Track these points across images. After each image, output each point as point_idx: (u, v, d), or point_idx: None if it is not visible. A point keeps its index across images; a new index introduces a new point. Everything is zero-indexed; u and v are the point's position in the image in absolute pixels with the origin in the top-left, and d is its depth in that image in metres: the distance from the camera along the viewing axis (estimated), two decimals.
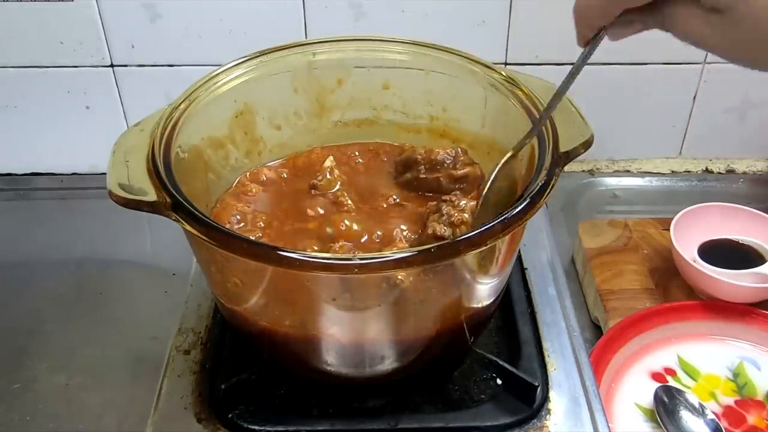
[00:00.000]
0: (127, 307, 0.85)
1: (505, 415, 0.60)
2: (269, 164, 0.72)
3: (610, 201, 1.01)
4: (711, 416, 0.68)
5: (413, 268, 0.48)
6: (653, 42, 0.97)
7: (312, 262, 0.47)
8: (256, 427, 0.59)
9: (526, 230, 0.58)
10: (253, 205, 0.66)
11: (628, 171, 1.05)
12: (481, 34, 0.93)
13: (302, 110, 0.73)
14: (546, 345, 0.66)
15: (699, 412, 0.68)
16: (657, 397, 0.70)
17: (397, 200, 0.66)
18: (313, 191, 0.67)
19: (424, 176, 0.66)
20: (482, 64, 0.66)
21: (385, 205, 0.66)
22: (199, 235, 0.49)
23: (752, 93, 0.99)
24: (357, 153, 0.73)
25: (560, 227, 0.94)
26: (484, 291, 0.58)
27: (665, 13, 0.39)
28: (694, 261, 0.80)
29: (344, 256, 0.48)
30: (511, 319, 0.68)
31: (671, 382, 0.74)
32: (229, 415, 0.60)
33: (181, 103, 0.61)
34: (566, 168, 0.56)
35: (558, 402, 0.61)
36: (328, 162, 0.70)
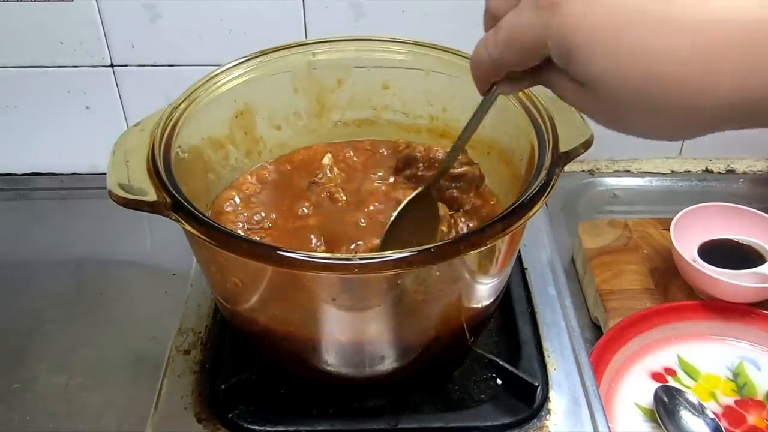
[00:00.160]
0: (127, 307, 0.85)
1: (505, 415, 0.60)
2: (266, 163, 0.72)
3: (610, 201, 1.01)
4: (711, 416, 0.68)
5: (413, 268, 0.48)
6: None
7: (312, 262, 0.47)
8: (256, 427, 0.59)
9: (526, 230, 0.58)
10: (251, 203, 0.66)
11: (628, 171, 1.05)
12: (481, 34, 0.93)
13: (302, 110, 0.73)
14: (546, 345, 0.66)
15: (699, 412, 0.68)
16: (657, 397, 0.70)
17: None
18: (312, 186, 0.67)
19: (422, 174, 0.67)
20: None
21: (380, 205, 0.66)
22: (199, 235, 0.49)
23: None
24: (352, 152, 0.73)
25: (560, 227, 0.94)
26: (484, 291, 0.58)
27: (544, 77, 0.43)
28: (694, 261, 0.80)
29: (344, 256, 0.48)
30: (511, 319, 0.68)
31: (671, 382, 0.74)
32: (229, 415, 0.60)
33: (181, 103, 0.61)
34: (566, 168, 0.56)
35: (558, 402, 0.61)
36: (326, 159, 0.70)
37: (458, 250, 0.48)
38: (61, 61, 0.95)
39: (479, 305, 0.59)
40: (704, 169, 1.05)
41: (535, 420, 0.60)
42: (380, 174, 0.69)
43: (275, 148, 0.73)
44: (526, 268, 0.73)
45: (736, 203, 0.86)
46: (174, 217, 0.51)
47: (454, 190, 0.65)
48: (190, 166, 0.62)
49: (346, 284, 0.51)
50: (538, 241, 0.77)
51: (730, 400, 0.73)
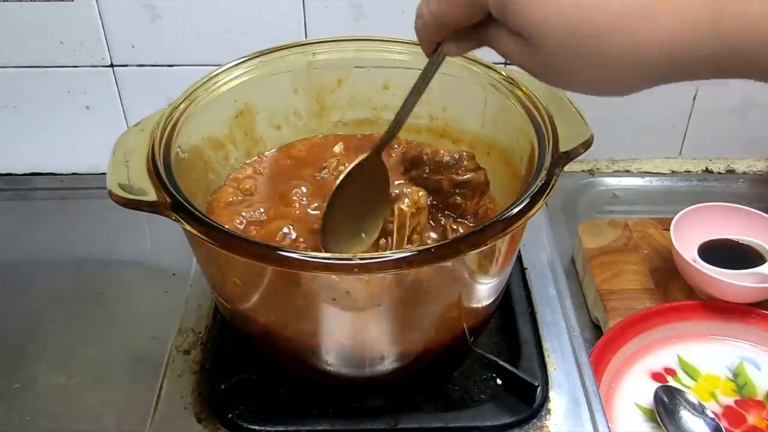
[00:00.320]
0: (127, 307, 0.85)
1: (505, 415, 0.60)
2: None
3: (610, 201, 1.01)
4: (711, 416, 0.68)
5: (413, 268, 0.48)
6: None
7: (312, 262, 0.47)
8: (256, 427, 0.59)
9: (526, 230, 0.58)
10: (251, 200, 0.66)
11: (628, 171, 1.05)
12: None
13: (302, 110, 0.73)
14: (546, 345, 0.66)
15: (699, 412, 0.68)
16: (657, 397, 0.70)
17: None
18: (318, 177, 0.67)
19: (427, 176, 0.66)
20: (482, 64, 0.66)
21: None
22: (199, 235, 0.49)
23: (752, 93, 0.99)
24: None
25: (560, 227, 0.94)
26: (484, 291, 0.58)
27: (487, 34, 0.43)
28: (694, 261, 0.80)
29: (344, 256, 0.48)
30: (511, 319, 0.68)
31: (671, 382, 0.74)
32: (229, 415, 0.60)
33: (181, 103, 0.61)
34: (566, 168, 0.56)
35: (558, 402, 0.61)
36: (337, 148, 0.70)
37: (458, 250, 0.48)
38: (61, 61, 0.95)
39: (479, 305, 0.59)
40: (704, 169, 1.05)
41: (535, 420, 0.60)
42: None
43: (275, 148, 0.73)
44: (526, 268, 0.73)
45: (736, 203, 0.86)
46: (174, 217, 0.51)
47: (458, 197, 0.65)
48: (190, 166, 0.62)
49: (346, 284, 0.51)
50: (538, 241, 0.77)
51: (730, 400, 0.73)
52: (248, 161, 0.71)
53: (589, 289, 0.84)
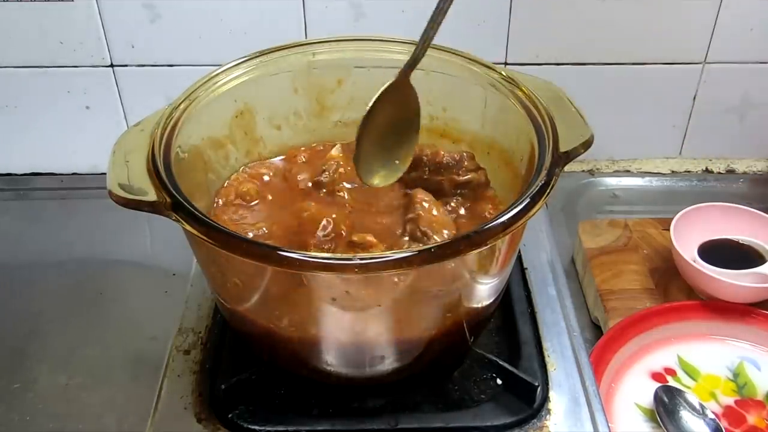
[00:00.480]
0: (127, 307, 0.85)
1: (505, 415, 0.60)
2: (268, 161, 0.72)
3: (610, 201, 1.01)
4: (711, 416, 0.68)
5: (413, 268, 0.48)
6: (653, 42, 0.97)
7: (312, 262, 0.47)
8: (256, 427, 0.59)
9: (526, 230, 0.58)
10: (252, 210, 0.66)
11: (628, 171, 1.05)
12: (481, 34, 0.93)
13: (302, 110, 0.73)
14: (546, 345, 0.66)
15: (699, 412, 0.68)
16: (657, 397, 0.70)
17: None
18: (319, 191, 0.67)
19: (427, 177, 0.66)
20: (482, 64, 0.66)
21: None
22: (199, 235, 0.49)
23: (752, 93, 0.99)
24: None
25: (560, 227, 0.94)
26: (484, 291, 0.58)
27: None
28: (694, 261, 0.80)
29: (344, 256, 0.48)
30: (511, 319, 0.68)
31: (671, 382, 0.74)
32: (229, 415, 0.60)
33: (181, 103, 0.61)
34: (566, 168, 0.56)
35: (558, 402, 0.61)
36: (335, 151, 0.70)
37: (458, 250, 0.48)
38: (61, 61, 0.95)
39: (479, 305, 0.59)
40: (704, 169, 1.05)
41: (535, 420, 0.60)
42: None
43: (275, 148, 0.73)
44: (526, 268, 0.73)
45: (736, 203, 0.86)
46: (174, 217, 0.51)
47: (459, 197, 0.65)
48: (190, 166, 0.62)
49: (346, 284, 0.51)
50: (538, 241, 0.77)
51: (730, 400, 0.73)
52: (248, 167, 0.71)
53: (589, 289, 0.84)
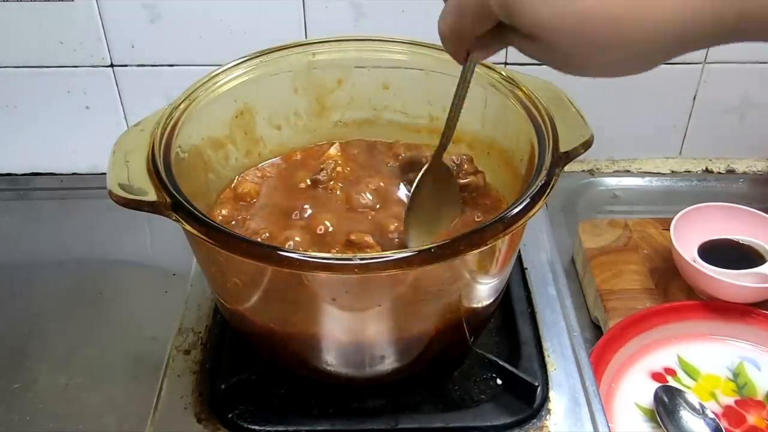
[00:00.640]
0: (127, 307, 0.85)
1: (505, 415, 0.60)
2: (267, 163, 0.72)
3: (610, 201, 1.01)
4: (711, 416, 0.68)
5: (413, 268, 0.48)
6: None
7: (312, 262, 0.47)
8: (256, 427, 0.59)
9: (526, 230, 0.58)
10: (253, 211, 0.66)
11: (628, 171, 1.05)
12: None
13: (302, 110, 0.73)
14: (546, 345, 0.66)
15: (699, 412, 0.68)
16: (657, 397, 0.70)
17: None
18: (318, 187, 0.67)
19: None
20: (482, 64, 0.66)
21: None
22: (199, 235, 0.49)
23: (752, 93, 0.99)
24: (356, 151, 0.73)
25: (560, 227, 0.94)
26: (484, 291, 0.58)
27: (505, 35, 0.44)
28: (694, 261, 0.80)
29: (344, 256, 0.48)
30: (511, 319, 0.68)
31: (671, 382, 0.74)
32: (229, 415, 0.60)
33: (181, 103, 0.61)
34: (566, 168, 0.56)
35: (558, 402, 0.61)
36: (333, 150, 0.70)
37: (458, 250, 0.48)
38: (61, 61, 0.95)
39: (479, 305, 0.59)
40: (704, 169, 1.05)
41: (535, 420, 0.60)
42: (382, 174, 0.69)
43: (275, 148, 0.73)
44: (526, 268, 0.73)
45: (736, 203, 0.86)
46: (174, 217, 0.51)
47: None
48: (190, 166, 0.62)
49: (346, 284, 0.51)
50: (538, 241, 0.77)
51: (730, 400, 0.73)
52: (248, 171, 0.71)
53: (589, 289, 0.84)
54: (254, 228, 0.63)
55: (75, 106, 0.99)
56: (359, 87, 0.72)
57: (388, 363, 0.58)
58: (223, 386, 0.60)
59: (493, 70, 0.65)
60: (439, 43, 0.68)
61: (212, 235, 0.49)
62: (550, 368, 0.64)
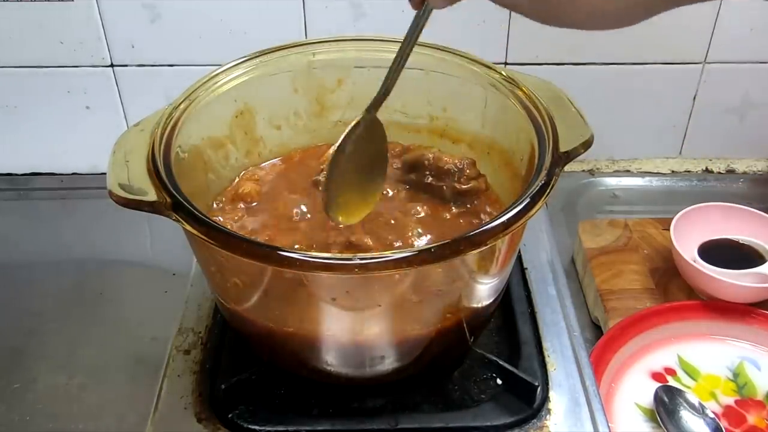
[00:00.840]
0: (127, 307, 0.85)
1: (505, 415, 0.60)
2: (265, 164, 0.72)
3: (610, 201, 1.01)
4: (711, 416, 0.68)
5: (413, 268, 0.48)
6: (653, 42, 0.97)
7: (312, 262, 0.47)
8: (256, 427, 0.59)
9: (526, 230, 0.58)
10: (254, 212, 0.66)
11: (628, 171, 1.05)
12: (481, 34, 0.93)
13: (302, 110, 0.73)
14: (546, 345, 0.66)
15: (699, 412, 0.68)
16: (657, 397, 0.70)
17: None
18: (318, 187, 0.67)
19: (429, 182, 0.67)
20: (482, 64, 0.66)
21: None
22: (199, 235, 0.49)
23: (752, 93, 0.99)
24: None
25: (560, 227, 0.94)
26: (484, 291, 0.58)
27: None
28: (694, 261, 0.80)
29: (344, 256, 0.48)
30: (511, 319, 0.68)
31: (671, 382, 0.74)
32: (229, 415, 0.60)
33: (181, 103, 0.61)
34: (566, 168, 0.56)
35: (558, 402, 0.61)
36: (332, 151, 0.69)
37: (458, 250, 0.48)
38: (61, 61, 0.95)
39: (479, 305, 0.59)
40: (704, 169, 1.05)
41: (535, 420, 0.60)
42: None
43: (275, 148, 0.73)
44: (526, 268, 0.73)
45: (736, 203, 0.86)
46: (174, 217, 0.51)
47: (459, 204, 0.65)
48: (190, 166, 0.62)
49: (346, 284, 0.51)
50: (538, 241, 0.77)
51: (730, 400, 0.73)
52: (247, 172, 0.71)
53: (589, 289, 0.84)
54: (254, 228, 0.63)
55: (75, 106, 0.99)
56: (359, 87, 0.72)
57: (388, 363, 0.58)
58: (223, 386, 0.60)
59: (493, 70, 0.65)
60: (439, 43, 0.68)
61: (212, 235, 0.49)
62: (550, 368, 0.64)
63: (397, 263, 0.47)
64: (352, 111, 0.73)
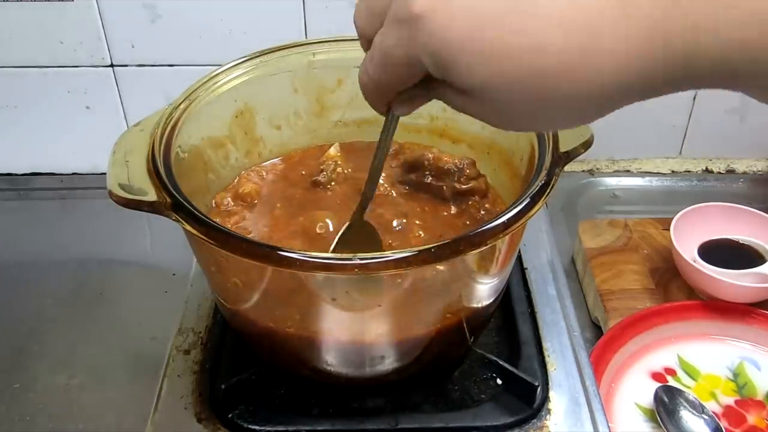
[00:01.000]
0: (127, 307, 0.85)
1: (505, 415, 0.60)
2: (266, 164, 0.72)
3: (610, 201, 1.01)
4: (711, 416, 0.68)
5: (413, 268, 0.48)
6: None
7: (312, 262, 0.47)
8: (256, 427, 0.59)
9: (526, 230, 0.58)
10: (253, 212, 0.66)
11: (628, 171, 1.05)
12: None
13: (302, 110, 0.73)
14: (546, 345, 0.66)
15: (699, 412, 0.68)
16: (657, 397, 0.70)
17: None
18: (318, 187, 0.67)
19: (429, 182, 0.67)
20: None
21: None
22: (199, 235, 0.49)
23: None
24: (356, 151, 0.73)
25: (560, 227, 0.94)
26: (484, 291, 0.58)
27: (434, 90, 0.41)
28: (694, 261, 0.80)
29: (344, 256, 0.48)
30: (511, 319, 0.68)
31: (671, 382, 0.74)
32: (229, 415, 0.60)
33: (181, 103, 0.61)
34: (566, 168, 0.56)
35: (558, 402, 0.61)
36: (333, 150, 0.70)
37: (458, 250, 0.48)
38: (61, 61, 0.95)
39: (479, 305, 0.59)
40: (704, 169, 1.05)
41: (535, 420, 0.60)
42: (383, 175, 0.69)
43: (275, 148, 0.73)
44: (526, 268, 0.73)
45: (736, 203, 0.86)
46: (174, 217, 0.51)
47: (459, 204, 0.65)
48: (190, 166, 0.62)
49: (346, 284, 0.51)
50: (538, 241, 0.77)
51: (730, 400, 0.73)
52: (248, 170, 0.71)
53: (589, 289, 0.84)
54: (254, 228, 0.63)
55: (75, 106, 0.99)
56: (359, 87, 0.72)
57: (388, 363, 0.58)
58: (223, 386, 0.60)
59: None
60: None
61: (212, 235, 0.49)
62: (550, 368, 0.64)
63: (397, 263, 0.47)
64: (352, 111, 0.73)
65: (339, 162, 0.69)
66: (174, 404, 0.61)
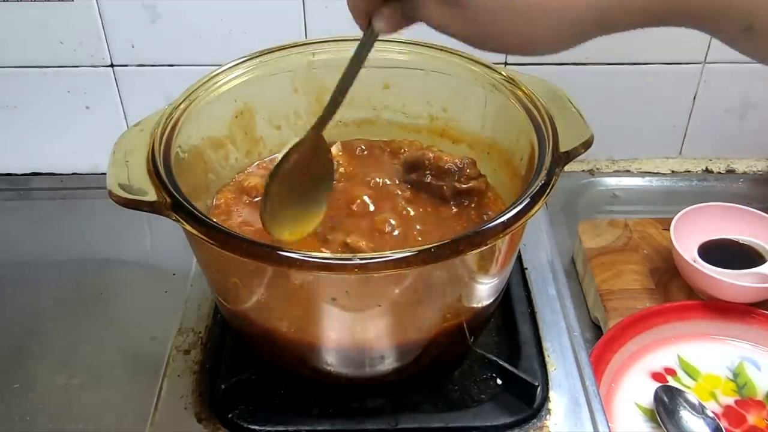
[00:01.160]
0: (127, 307, 0.85)
1: (505, 415, 0.60)
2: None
3: (610, 201, 1.01)
4: (711, 416, 0.68)
5: (413, 268, 0.48)
6: (653, 42, 0.97)
7: (312, 262, 0.47)
8: (256, 427, 0.59)
9: (526, 230, 0.58)
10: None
11: (628, 171, 1.05)
12: None
13: (302, 110, 0.73)
14: (546, 345, 0.66)
15: (699, 412, 0.68)
16: (657, 397, 0.70)
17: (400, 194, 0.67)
18: None
19: (429, 181, 0.67)
20: (482, 64, 0.66)
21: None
22: (199, 235, 0.49)
23: (752, 93, 0.99)
24: (362, 147, 0.73)
25: (560, 227, 0.94)
26: (484, 291, 0.58)
27: (415, 4, 0.42)
28: (694, 261, 0.80)
29: (344, 256, 0.48)
30: (511, 319, 0.68)
31: (671, 382, 0.74)
32: (229, 415, 0.60)
33: (181, 103, 0.61)
34: (566, 168, 0.56)
35: (558, 402, 0.61)
36: (334, 150, 0.69)
37: (458, 250, 0.48)
38: (61, 61, 0.95)
39: (479, 305, 0.59)
40: (704, 169, 1.05)
41: (535, 420, 0.60)
42: (383, 174, 0.69)
43: (275, 148, 0.73)
44: (526, 268, 0.73)
45: (736, 203, 0.86)
46: (174, 217, 0.51)
47: (459, 204, 0.65)
48: (190, 166, 0.62)
49: (345, 284, 0.51)
50: (538, 241, 0.77)
51: (730, 400, 0.73)
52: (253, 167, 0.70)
53: (589, 289, 0.84)
54: (257, 222, 0.63)
55: (75, 106, 0.99)
56: (359, 87, 0.71)
57: (388, 363, 0.58)
58: (223, 386, 0.60)
59: (493, 70, 0.65)
60: (439, 43, 0.68)
61: (212, 235, 0.49)
62: (550, 368, 0.64)
63: (397, 263, 0.47)
64: (352, 111, 0.73)
65: (340, 161, 0.69)
66: (174, 404, 0.61)
